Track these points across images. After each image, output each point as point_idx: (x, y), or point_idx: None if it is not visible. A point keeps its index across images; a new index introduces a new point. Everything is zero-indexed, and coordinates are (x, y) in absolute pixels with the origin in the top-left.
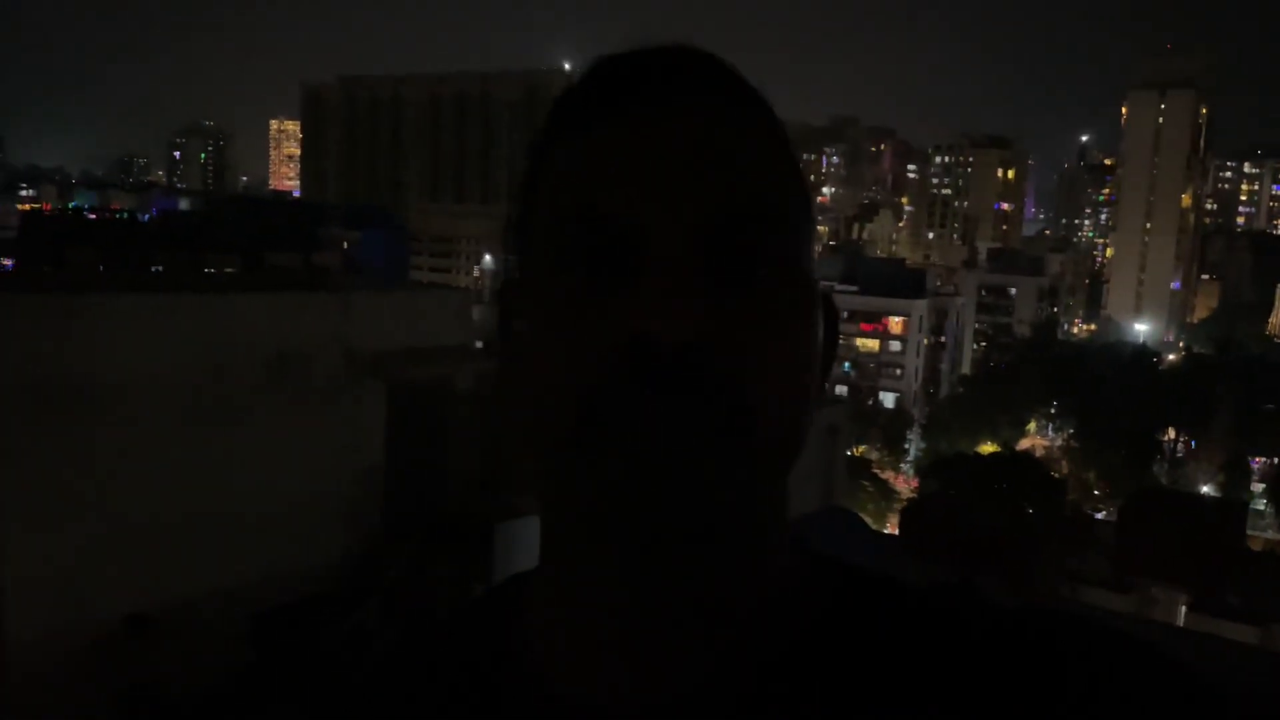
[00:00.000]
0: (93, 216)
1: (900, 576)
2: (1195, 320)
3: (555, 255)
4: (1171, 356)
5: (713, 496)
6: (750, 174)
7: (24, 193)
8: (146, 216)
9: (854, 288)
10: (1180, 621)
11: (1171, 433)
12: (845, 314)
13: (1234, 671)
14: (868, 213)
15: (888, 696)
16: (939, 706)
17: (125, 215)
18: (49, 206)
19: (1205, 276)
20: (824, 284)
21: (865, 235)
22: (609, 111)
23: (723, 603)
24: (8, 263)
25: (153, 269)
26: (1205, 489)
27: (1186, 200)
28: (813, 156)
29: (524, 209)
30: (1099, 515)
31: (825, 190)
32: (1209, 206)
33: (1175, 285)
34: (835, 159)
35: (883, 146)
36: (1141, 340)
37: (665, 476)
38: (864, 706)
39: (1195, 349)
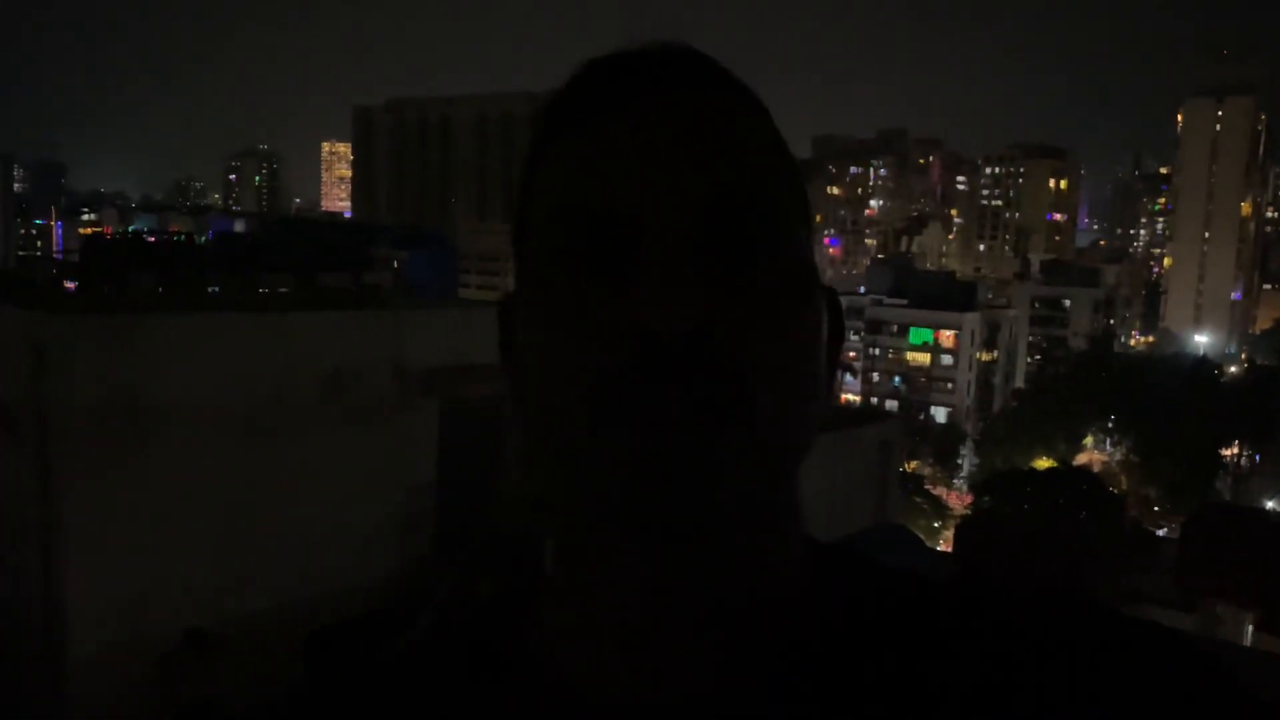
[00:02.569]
0: (152, 239)
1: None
2: (1257, 331)
3: (551, 255)
4: (1233, 368)
5: (720, 482)
6: (743, 162)
7: (86, 217)
8: (204, 239)
9: (904, 301)
10: (1247, 641)
11: (1235, 447)
12: (895, 328)
13: None
14: (917, 225)
15: (899, 689)
16: (950, 698)
17: (183, 238)
18: (110, 230)
19: (1267, 286)
20: (872, 296)
21: (914, 248)
22: (597, 109)
23: (734, 596)
24: (71, 285)
25: (210, 290)
26: (1270, 504)
27: (1246, 208)
28: (860, 169)
29: (520, 219)
30: (1161, 532)
31: (873, 203)
32: (1270, 215)
33: (1236, 295)
34: (883, 171)
35: (931, 158)
36: (1202, 352)
37: (672, 465)
38: (877, 700)
39: (1258, 360)
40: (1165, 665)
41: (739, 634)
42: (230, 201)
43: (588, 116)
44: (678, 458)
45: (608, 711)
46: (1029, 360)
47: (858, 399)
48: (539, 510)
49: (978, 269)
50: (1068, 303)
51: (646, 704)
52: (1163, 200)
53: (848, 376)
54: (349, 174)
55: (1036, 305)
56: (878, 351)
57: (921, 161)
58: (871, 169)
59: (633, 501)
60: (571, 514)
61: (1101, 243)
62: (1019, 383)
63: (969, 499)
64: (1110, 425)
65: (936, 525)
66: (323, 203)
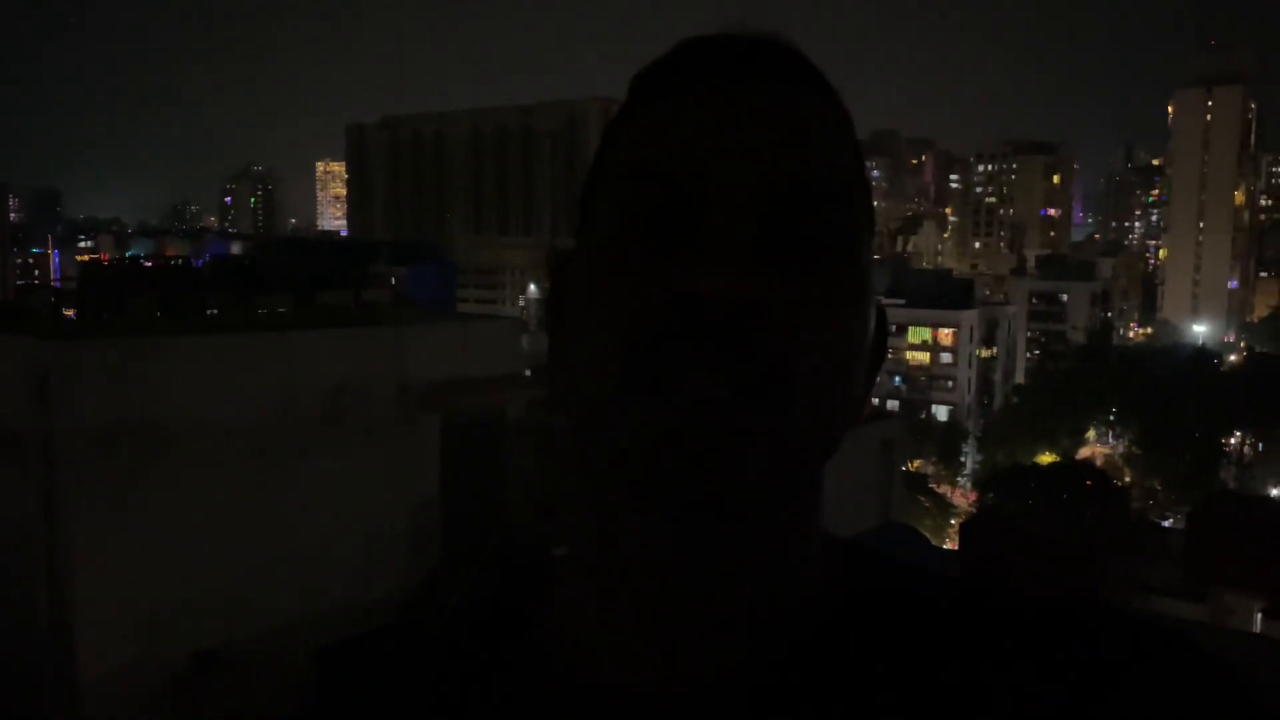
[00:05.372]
0: (149, 264)
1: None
2: (1255, 319)
3: (617, 215)
4: (1232, 357)
5: (746, 457)
6: (818, 157)
7: (83, 244)
8: (201, 261)
9: (901, 300)
10: (1256, 629)
11: (1237, 435)
12: (893, 327)
13: None
14: (911, 225)
15: (912, 686)
16: (963, 695)
17: (180, 261)
18: (107, 256)
19: (1263, 274)
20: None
21: (910, 247)
22: (688, 83)
23: (754, 583)
24: (70, 312)
25: (208, 312)
26: (1275, 492)
27: (1239, 197)
28: None
29: (591, 181)
30: (1166, 523)
31: None
32: (1263, 203)
33: (1232, 284)
34: (876, 172)
35: (924, 158)
36: (1200, 342)
37: (700, 432)
38: (888, 696)
39: (1257, 348)
40: (1173, 667)
41: (757, 623)
42: (226, 224)
43: (678, 89)
44: (706, 426)
45: (625, 700)
46: (1028, 355)
47: None
48: (547, 519)
49: (974, 266)
50: (1065, 297)
51: (663, 692)
52: (1156, 192)
53: None
54: (344, 192)
55: (1034, 300)
56: None
57: (914, 161)
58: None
59: (656, 465)
60: (597, 477)
61: (1096, 236)
62: (1019, 378)
63: (973, 496)
64: (1112, 418)
65: (941, 523)
66: (319, 222)
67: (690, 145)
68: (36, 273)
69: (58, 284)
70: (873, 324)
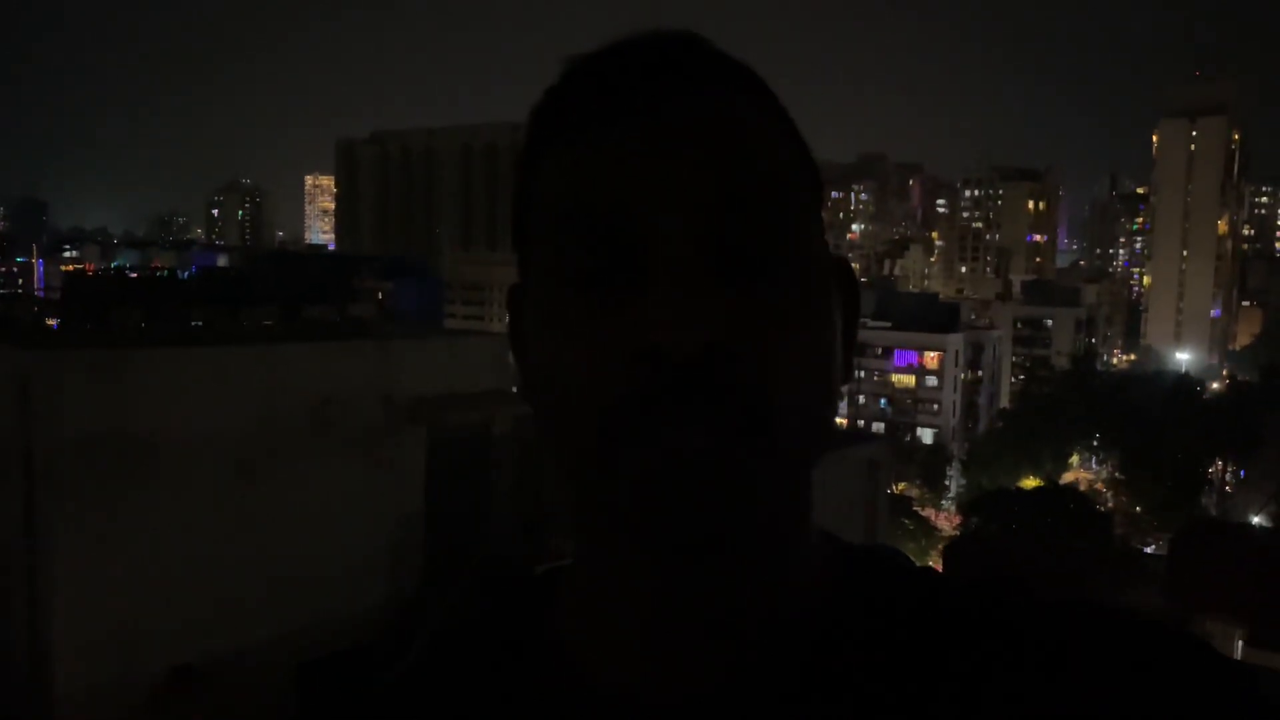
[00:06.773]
0: (134, 275)
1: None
2: (1238, 347)
3: (557, 266)
4: (1215, 385)
5: (735, 503)
6: (749, 155)
7: (68, 254)
8: (187, 273)
9: (887, 324)
10: (1238, 656)
11: (1219, 462)
12: (879, 350)
13: None
14: (898, 248)
15: (917, 687)
16: (971, 696)
17: (166, 273)
18: (92, 267)
19: (1246, 303)
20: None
21: (897, 271)
22: (594, 110)
23: (748, 603)
24: (54, 323)
25: (193, 324)
26: (1256, 519)
27: (1223, 226)
28: (841, 194)
29: (519, 220)
30: (1148, 549)
31: (855, 227)
32: (1246, 232)
33: (1215, 312)
34: (864, 196)
35: (911, 182)
36: (1183, 369)
37: (688, 488)
38: (894, 697)
39: (1239, 376)
40: (1186, 667)
41: (758, 625)
42: (213, 236)
43: (585, 118)
44: (693, 480)
45: (620, 707)
46: (1013, 380)
47: (844, 422)
48: (532, 534)
49: (960, 290)
50: (1050, 322)
51: (659, 702)
52: (1140, 220)
53: None
54: (332, 206)
55: (1019, 325)
56: (863, 374)
57: (902, 186)
58: (853, 193)
59: (645, 522)
60: (586, 526)
61: (1081, 263)
62: (1004, 403)
63: (957, 520)
64: (1095, 443)
65: (925, 546)
66: (306, 235)
67: (619, 184)
68: (20, 282)
69: (42, 294)
70: (840, 313)
